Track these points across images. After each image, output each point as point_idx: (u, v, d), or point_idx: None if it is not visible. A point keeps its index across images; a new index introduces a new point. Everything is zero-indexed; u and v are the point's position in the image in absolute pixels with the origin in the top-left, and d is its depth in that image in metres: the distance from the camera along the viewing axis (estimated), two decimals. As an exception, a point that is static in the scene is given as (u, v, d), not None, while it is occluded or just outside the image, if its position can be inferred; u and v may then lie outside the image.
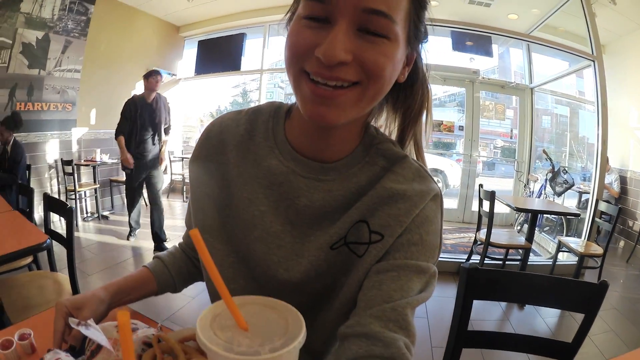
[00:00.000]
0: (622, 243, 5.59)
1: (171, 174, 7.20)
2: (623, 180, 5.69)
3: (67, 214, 2.02)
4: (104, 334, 0.62)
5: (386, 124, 0.77)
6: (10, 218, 2.32)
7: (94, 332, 0.61)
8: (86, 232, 4.75)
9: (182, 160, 7.24)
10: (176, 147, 7.44)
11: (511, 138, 7.03)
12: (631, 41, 5.46)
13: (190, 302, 3.10)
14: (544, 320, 3.21)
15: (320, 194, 0.67)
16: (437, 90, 6.67)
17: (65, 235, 2.03)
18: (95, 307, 0.74)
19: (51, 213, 2.30)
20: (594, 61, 4.26)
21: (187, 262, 0.94)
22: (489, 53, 5.96)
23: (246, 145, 0.73)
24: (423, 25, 0.61)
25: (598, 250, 3.61)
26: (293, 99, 0.72)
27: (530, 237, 3.75)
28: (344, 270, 0.68)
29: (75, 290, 2.03)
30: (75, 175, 4.76)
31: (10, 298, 1.90)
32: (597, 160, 4.27)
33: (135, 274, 0.88)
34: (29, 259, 2.48)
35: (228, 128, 0.75)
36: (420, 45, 0.64)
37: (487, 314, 3.23)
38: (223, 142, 0.74)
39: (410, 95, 0.71)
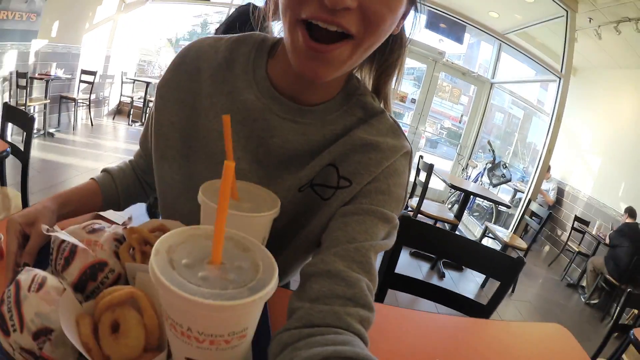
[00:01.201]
0: (547, 248, 5.96)
1: (120, 95, 6.96)
2: (560, 192, 6.00)
3: (28, 124, 1.90)
4: (75, 237, 0.60)
5: (361, 77, 0.75)
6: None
7: (68, 237, 0.60)
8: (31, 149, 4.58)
9: (134, 82, 6.99)
10: (130, 68, 7.20)
11: (460, 123, 7.17)
12: (604, 74, 5.63)
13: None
14: (461, 294, 3.48)
15: (295, 136, 0.66)
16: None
17: (22, 148, 1.90)
18: (48, 219, 0.69)
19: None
20: (560, 78, 4.40)
21: (135, 181, 0.90)
22: (459, 40, 6.06)
23: (223, 75, 0.70)
24: None
25: (522, 244, 3.81)
26: None
27: (459, 215, 3.90)
28: (307, 211, 0.69)
29: (25, 206, 1.92)
30: (28, 88, 4.52)
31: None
32: (539, 164, 4.48)
33: (83, 186, 0.82)
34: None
35: (206, 55, 0.71)
36: (417, 2, 0.63)
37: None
38: (198, 69, 0.71)
39: (393, 50, 0.69)
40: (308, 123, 0.67)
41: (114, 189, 0.85)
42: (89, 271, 0.58)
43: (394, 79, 0.73)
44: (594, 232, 4.82)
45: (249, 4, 2.54)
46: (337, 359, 0.41)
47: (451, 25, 5.64)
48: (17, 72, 4.54)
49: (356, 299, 0.52)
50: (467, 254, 1.30)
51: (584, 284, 4.52)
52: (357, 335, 0.49)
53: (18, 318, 0.48)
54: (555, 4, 4.27)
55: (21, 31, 4.58)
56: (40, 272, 0.54)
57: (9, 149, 1.79)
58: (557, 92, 4.44)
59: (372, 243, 0.58)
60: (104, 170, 0.88)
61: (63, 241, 0.60)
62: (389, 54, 0.70)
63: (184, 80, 0.71)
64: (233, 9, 2.77)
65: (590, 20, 4.48)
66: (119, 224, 0.69)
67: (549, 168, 5.15)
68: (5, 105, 2.18)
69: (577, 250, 4.90)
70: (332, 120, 0.67)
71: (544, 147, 4.49)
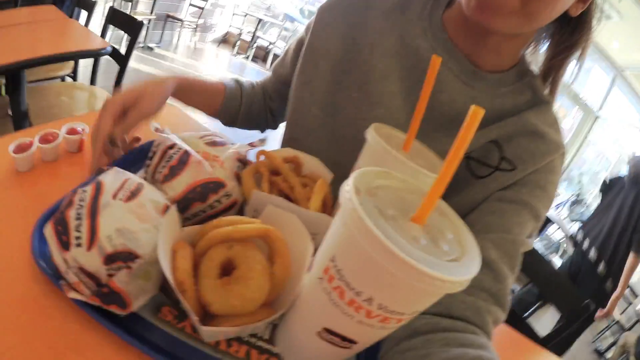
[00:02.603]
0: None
1: (229, 25, 6.90)
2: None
3: (135, 29, 1.86)
4: (189, 146, 0.50)
5: (535, 50, 0.67)
6: (67, 25, 2.14)
7: (180, 142, 0.50)
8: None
9: (245, 16, 6.77)
10: (243, 1, 7.00)
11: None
12: None
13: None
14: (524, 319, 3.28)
15: (463, 98, 0.60)
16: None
17: (123, 52, 1.86)
18: (157, 102, 0.58)
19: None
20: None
21: (260, 102, 0.85)
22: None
23: (395, 17, 0.65)
24: None
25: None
26: None
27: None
28: (453, 184, 0.62)
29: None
30: (133, 1, 4.58)
31: (37, 105, 1.74)
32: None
33: (211, 82, 0.77)
34: (68, 69, 2.30)
35: None
36: None
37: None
38: (367, 5, 0.66)
39: (572, 33, 0.61)
40: (479, 90, 0.61)
41: (237, 102, 0.81)
42: (200, 189, 0.46)
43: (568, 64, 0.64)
44: (638, 307, 4.36)
45: None
46: None
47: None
48: (123, -16, 4.56)
49: (499, 296, 0.50)
50: (542, 275, 1.24)
51: (609, 356, 4.03)
52: (488, 337, 0.48)
53: (89, 230, 0.36)
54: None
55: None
56: (134, 177, 0.42)
57: (109, 47, 1.77)
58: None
59: (524, 239, 0.55)
60: (236, 81, 0.83)
61: (172, 146, 0.49)
62: (567, 36, 0.61)
63: (349, 11, 0.67)
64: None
65: None
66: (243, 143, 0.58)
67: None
68: (112, 8, 2.16)
69: (616, 319, 4.40)
70: (502, 94, 0.61)
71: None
